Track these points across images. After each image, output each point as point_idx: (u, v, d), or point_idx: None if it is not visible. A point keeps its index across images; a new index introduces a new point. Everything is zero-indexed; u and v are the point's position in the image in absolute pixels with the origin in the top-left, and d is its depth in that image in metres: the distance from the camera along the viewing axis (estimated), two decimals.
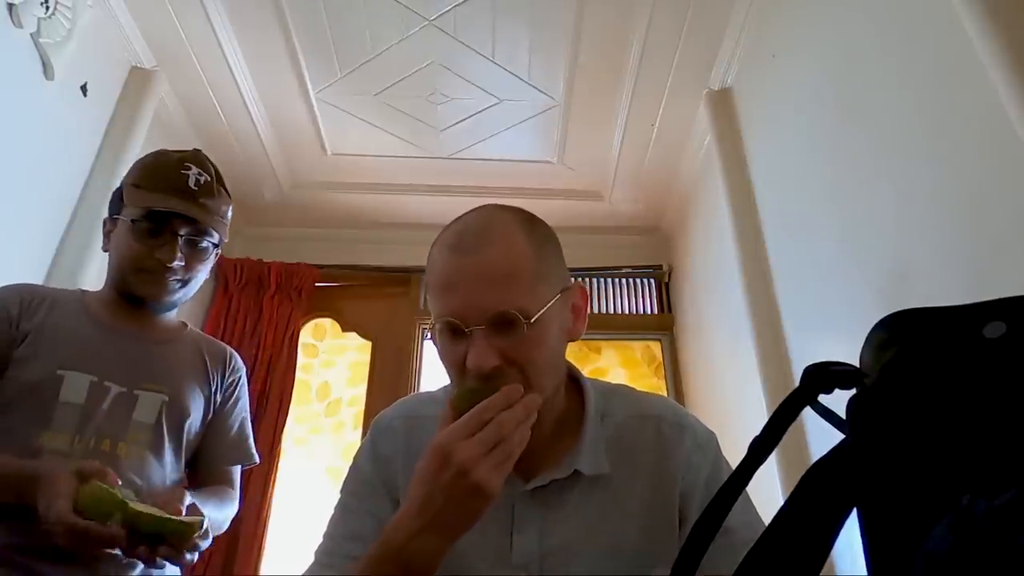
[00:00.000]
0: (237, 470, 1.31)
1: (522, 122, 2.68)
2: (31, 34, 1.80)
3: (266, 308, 2.91)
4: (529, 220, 0.78)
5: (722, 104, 2.37)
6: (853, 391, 0.41)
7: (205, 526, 1.01)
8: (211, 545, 1.08)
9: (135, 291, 1.19)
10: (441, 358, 0.75)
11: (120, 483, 0.99)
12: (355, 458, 0.86)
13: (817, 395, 0.42)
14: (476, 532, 0.64)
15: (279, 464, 2.71)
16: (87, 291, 1.27)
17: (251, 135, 2.71)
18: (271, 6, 2.17)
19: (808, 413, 0.43)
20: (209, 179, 1.21)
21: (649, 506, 0.77)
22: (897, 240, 1.39)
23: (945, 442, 0.36)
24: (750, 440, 0.44)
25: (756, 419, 1.92)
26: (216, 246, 1.24)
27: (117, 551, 0.99)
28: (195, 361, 1.27)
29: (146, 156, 1.24)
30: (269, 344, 2.83)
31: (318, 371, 3.05)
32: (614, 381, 0.92)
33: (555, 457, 0.78)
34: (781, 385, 1.86)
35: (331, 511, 0.83)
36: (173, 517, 0.97)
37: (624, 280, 3.21)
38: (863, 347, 0.41)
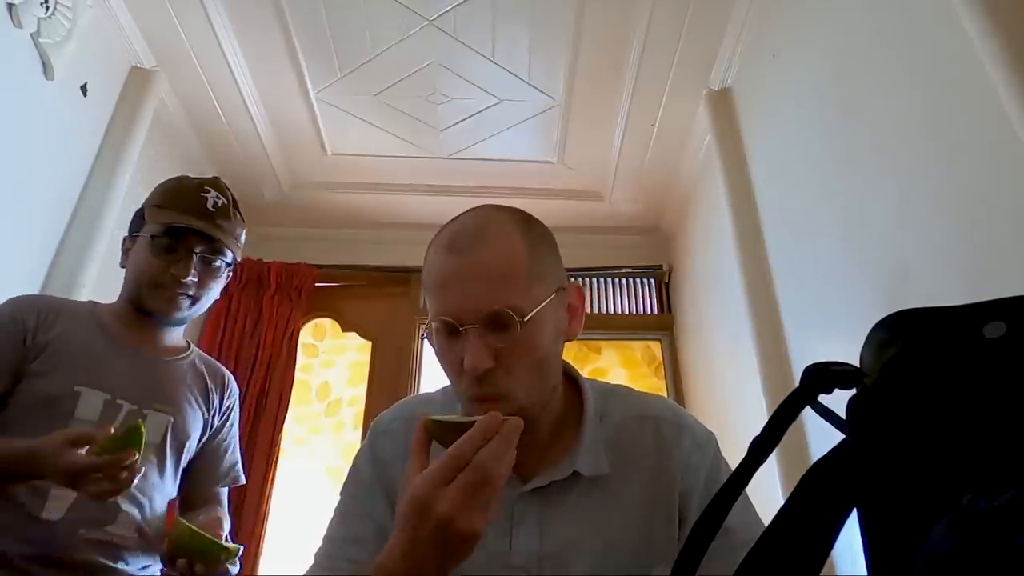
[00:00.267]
0: (226, 491, 1.38)
1: (522, 122, 2.68)
2: (31, 34, 1.80)
3: (266, 308, 2.91)
4: (525, 220, 0.78)
5: (722, 103, 2.37)
6: (853, 391, 0.41)
7: (240, 553, 1.09)
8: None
9: (147, 305, 1.24)
10: (438, 357, 0.76)
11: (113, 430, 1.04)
12: (354, 461, 0.87)
13: (817, 395, 0.43)
14: None
15: (279, 464, 2.70)
16: (98, 303, 1.32)
17: (251, 135, 2.71)
18: (271, 6, 2.17)
19: (808, 413, 0.43)
20: (226, 203, 1.27)
21: (648, 507, 0.77)
22: (897, 240, 1.39)
23: (945, 442, 0.36)
24: (750, 440, 0.44)
25: (756, 419, 1.92)
26: (229, 266, 1.30)
27: (120, 564, 1.09)
28: (198, 383, 1.33)
29: (168, 180, 1.32)
30: (269, 344, 2.83)
31: (318, 371, 3.05)
32: (614, 381, 0.92)
33: (554, 458, 0.78)
34: (781, 385, 1.86)
35: (331, 513, 0.83)
36: (217, 541, 1.07)
37: (624, 280, 3.21)
38: (863, 347, 0.41)
